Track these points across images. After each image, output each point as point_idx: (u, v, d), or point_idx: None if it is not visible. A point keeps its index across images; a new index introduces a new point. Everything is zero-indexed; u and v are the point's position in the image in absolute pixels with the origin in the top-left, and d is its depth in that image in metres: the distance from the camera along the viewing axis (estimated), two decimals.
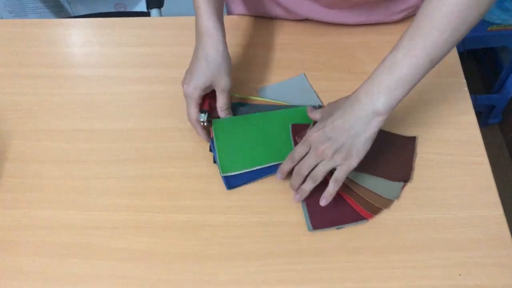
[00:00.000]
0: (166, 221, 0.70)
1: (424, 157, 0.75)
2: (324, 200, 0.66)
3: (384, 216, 0.70)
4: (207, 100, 0.75)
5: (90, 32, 0.92)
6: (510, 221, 0.70)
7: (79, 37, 0.92)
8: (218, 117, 0.76)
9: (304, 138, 0.67)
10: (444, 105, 0.80)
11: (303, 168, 0.66)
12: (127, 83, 0.84)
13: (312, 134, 0.65)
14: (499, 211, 0.70)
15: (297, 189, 0.68)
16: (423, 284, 0.64)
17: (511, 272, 0.65)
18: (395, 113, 0.78)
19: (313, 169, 0.66)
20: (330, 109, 0.66)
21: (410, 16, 0.87)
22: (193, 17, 0.90)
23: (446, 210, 0.70)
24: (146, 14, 1.27)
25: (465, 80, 0.83)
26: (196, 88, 0.71)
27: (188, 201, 0.72)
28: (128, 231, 0.69)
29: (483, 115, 1.73)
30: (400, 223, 0.69)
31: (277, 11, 0.88)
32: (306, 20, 0.89)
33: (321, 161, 0.65)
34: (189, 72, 0.73)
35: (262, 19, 0.91)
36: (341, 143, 0.63)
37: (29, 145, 0.77)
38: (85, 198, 0.72)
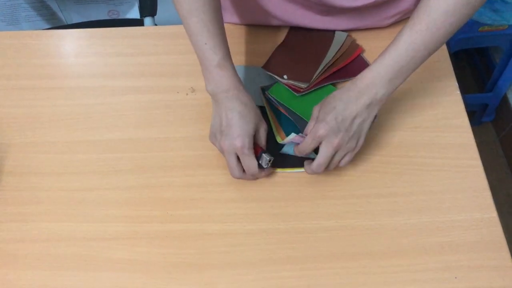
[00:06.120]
0: (164, 231, 0.70)
1: (418, 161, 0.76)
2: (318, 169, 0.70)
3: (380, 221, 0.70)
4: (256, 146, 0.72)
5: (84, 43, 0.92)
6: (505, 221, 0.71)
7: (73, 47, 0.92)
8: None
9: (311, 135, 0.68)
10: (437, 108, 0.81)
11: (324, 163, 0.69)
12: (122, 93, 0.85)
13: (320, 130, 0.67)
14: (493, 213, 0.70)
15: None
16: None
17: (506, 274, 0.66)
18: (387, 116, 0.80)
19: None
20: (330, 103, 0.68)
21: (401, 20, 0.88)
22: None
23: (441, 214, 0.71)
24: (140, 21, 1.27)
25: (457, 83, 0.83)
26: (245, 136, 0.68)
27: (185, 210, 0.72)
28: (126, 241, 0.70)
29: (477, 114, 1.74)
30: (395, 228, 0.70)
31: (270, 21, 0.88)
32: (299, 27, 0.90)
33: (336, 151, 0.68)
34: (225, 127, 0.69)
35: (255, 27, 0.91)
36: (352, 131, 0.67)
37: (25, 158, 0.78)
38: (82, 210, 0.72)
